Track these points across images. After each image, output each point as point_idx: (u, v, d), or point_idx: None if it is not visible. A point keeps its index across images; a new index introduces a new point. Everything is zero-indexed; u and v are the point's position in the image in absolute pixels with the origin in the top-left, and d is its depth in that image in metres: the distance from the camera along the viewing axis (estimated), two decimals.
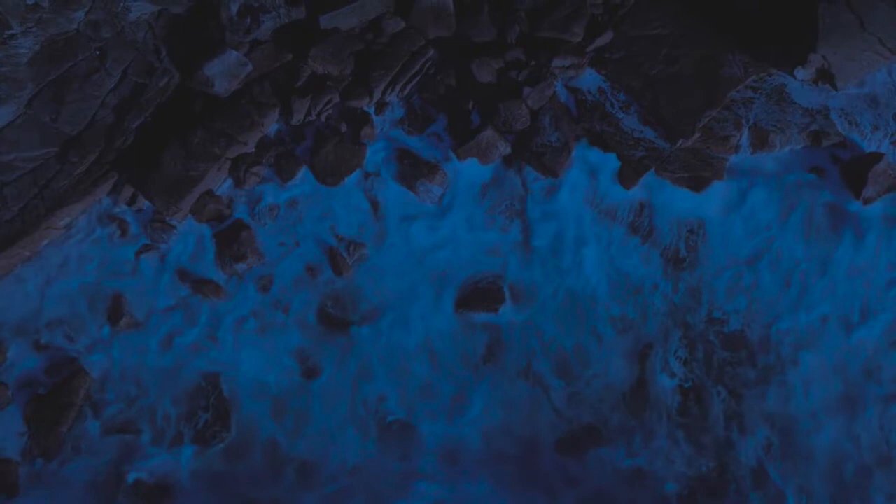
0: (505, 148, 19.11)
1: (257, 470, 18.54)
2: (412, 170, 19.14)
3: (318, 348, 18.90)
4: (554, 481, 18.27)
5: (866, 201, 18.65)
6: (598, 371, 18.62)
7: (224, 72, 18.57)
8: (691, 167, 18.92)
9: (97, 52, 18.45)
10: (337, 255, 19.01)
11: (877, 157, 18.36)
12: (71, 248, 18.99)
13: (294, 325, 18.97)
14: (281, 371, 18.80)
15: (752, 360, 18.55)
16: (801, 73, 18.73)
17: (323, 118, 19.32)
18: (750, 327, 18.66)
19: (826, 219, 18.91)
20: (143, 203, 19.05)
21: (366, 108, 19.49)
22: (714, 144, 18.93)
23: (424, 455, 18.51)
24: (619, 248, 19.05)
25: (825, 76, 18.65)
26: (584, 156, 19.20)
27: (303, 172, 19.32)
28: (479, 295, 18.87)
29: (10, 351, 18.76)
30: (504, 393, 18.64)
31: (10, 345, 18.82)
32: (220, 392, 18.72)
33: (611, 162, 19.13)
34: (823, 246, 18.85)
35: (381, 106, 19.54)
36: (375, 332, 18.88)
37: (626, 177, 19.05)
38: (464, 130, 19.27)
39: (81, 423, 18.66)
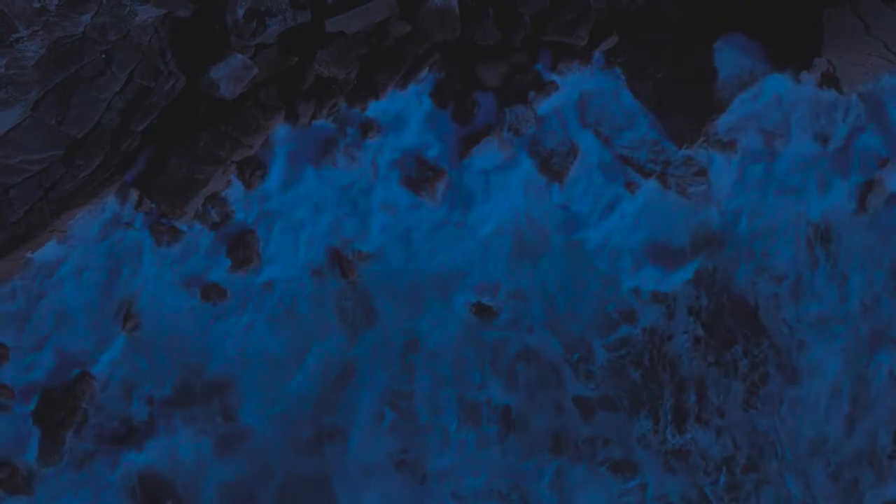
0: (511, 152, 19.14)
1: None
2: (418, 173, 19.16)
3: None
4: None
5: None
6: None
7: (230, 75, 18.56)
8: None
9: (103, 56, 18.41)
10: (343, 258, 19.02)
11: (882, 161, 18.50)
12: (76, 251, 18.96)
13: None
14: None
15: None
16: (806, 77, 18.78)
17: (329, 121, 19.32)
18: None
19: None
20: (149, 206, 19.00)
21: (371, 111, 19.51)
22: (719, 148, 18.97)
23: None
24: None
25: (830, 80, 18.71)
26: None
27: (307, 174, 19.33)
28: None
29: (14, 351, 18.76)
30: None
31: (14, 347, 18.81)
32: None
33: None
34: None
35: None
36: None
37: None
38: (469, 134, 19.27)
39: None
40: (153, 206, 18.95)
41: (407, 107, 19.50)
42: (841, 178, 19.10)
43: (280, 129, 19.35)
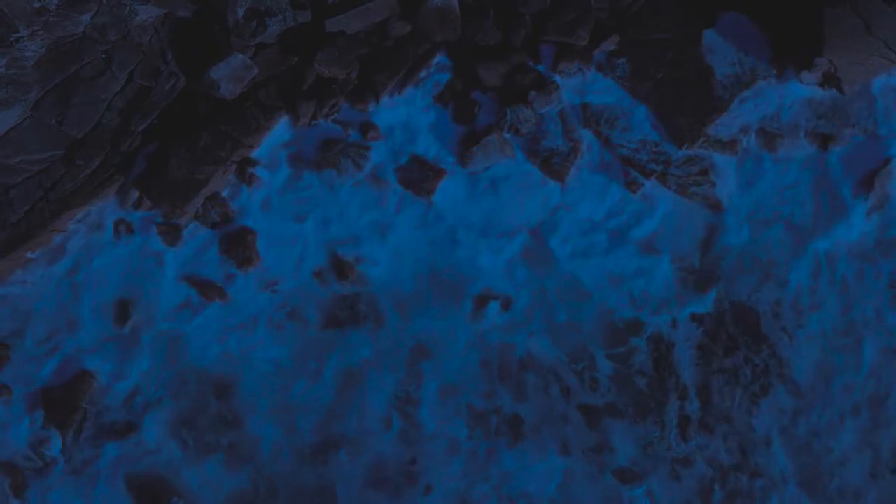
0: (511, 151, 19.14)
1: None
2: (418, 173, 19.16)
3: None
4: None
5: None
6: None
7: (230, 75, 18.57)
8: None
9: (103, 55, 18.44)
10: (341, 260, 19.02)
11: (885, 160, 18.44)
12: (76, 251, 18.97)
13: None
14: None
15: None
16: (807, 76, 18.73)
17: (329, 121, 19.33)
18: None
19: None
20: (149, 206, 19.00)
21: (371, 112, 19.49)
22: (720, 148, 18.94)
23: None
24: None
25: (831, 80, 18.65)
26: None
27: (307, 174, 19.32)
28: None
29: (14, 351, 18.77)
30: None
31: (15, 346, 18.82)
32: None
33: None
34: None
35: None
36: None
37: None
38: (470, 134, 19.26)
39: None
40: (153, 206, 18.96)
41: (407, 107, 19.49)
42: (842, 179, 19.04)
43: (280, 130, 19.34)
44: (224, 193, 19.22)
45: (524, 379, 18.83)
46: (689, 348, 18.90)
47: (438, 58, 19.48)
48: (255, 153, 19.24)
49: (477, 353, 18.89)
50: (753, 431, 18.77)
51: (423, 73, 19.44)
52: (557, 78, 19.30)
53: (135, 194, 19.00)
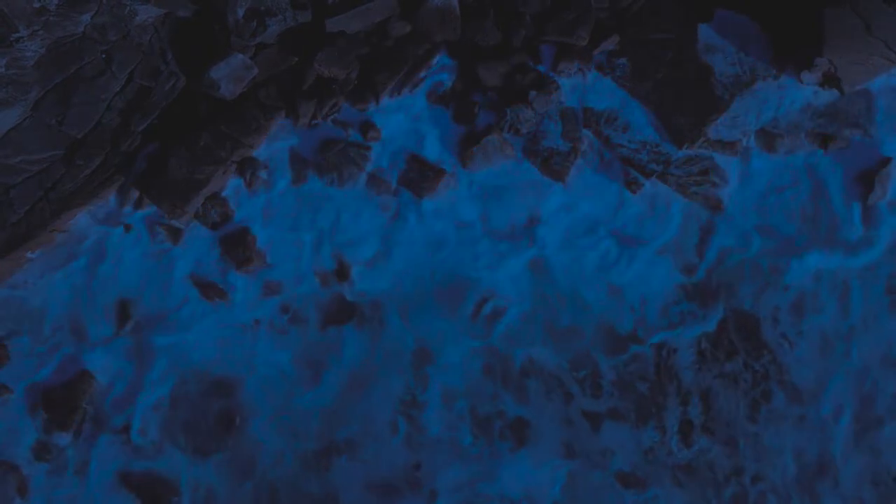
0: (511, 152, 19.13)
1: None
2: (418, 174, 19.15)
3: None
4: None
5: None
6: None
7: (230, 75, 18.57)
8: None
9: (103, 55, 18.45)
10: (341, 262, 19.01)
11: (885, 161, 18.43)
12: (77, 251, 18.97)
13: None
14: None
15: None
16: (807, 77, 18.72)
17: (329, 121, 19.33)
18: None
19: None
20: (149, 206, 19.01)
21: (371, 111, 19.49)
22: (720, 148, 18.94)
23: None
24: None
25: (831, 80, 18.64)
26: None
27: (306, 175, 19.32)
28: None
29: (14, 351, 18.77)
30: None
31: (15, 346, 18.83)
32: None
33: None
34: None
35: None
36: None
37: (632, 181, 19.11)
38: (470, 134, 19.26)
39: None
40: (153, 205, 18.97)
41: (407, 107, 19.49)
42: (842, 179, 19.04)
43: (280, 130, 19.34)
44: (224, 193, 19.23)
45: (526, 384, 18.81)
46: (691, 354, 18.87)
47: (438, 58, 19.49)
48: (255, 153, 19.25)
49: (479, 358, 18.88)
50: (755, 436, 18.74)
51: (423, 73, 19.44)
52: (557, 78, 19.31)
53: (135, 194, 19.02)
